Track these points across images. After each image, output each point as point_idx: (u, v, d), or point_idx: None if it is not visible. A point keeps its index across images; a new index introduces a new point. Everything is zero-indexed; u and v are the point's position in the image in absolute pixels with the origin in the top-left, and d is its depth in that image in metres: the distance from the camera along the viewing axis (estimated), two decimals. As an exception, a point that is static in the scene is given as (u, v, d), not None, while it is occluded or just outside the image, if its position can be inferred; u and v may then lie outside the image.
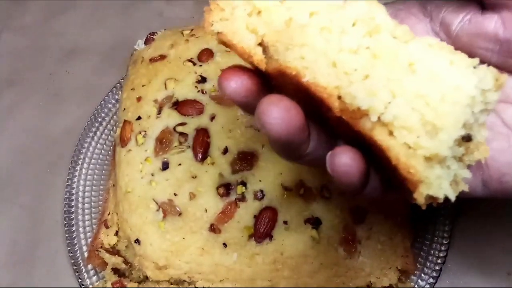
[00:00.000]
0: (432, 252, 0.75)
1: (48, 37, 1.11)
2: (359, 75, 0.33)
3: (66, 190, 0.83)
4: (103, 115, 0.91)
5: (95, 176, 0.86)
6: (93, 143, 0.88)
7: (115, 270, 0.71)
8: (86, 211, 0.82)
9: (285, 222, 0.67)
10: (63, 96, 1.01)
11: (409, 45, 0.33)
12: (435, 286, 0.73)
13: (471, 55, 0.34)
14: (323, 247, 0.67)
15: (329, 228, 0.68)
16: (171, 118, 0.75)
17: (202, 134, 0.73)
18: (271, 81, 0.38)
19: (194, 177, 0.70)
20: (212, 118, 0.75)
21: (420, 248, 0.76)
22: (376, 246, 0.69)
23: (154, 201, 0.70)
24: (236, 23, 0.36)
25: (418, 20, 0.46)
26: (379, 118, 0.32)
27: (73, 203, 0.82)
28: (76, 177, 0.84)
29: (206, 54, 0.82)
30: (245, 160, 0.71)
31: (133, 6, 1.16)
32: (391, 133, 0.33)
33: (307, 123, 0.37)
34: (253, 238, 0.67)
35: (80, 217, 0.81)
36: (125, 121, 0.77)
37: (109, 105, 0.92)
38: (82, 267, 0.76)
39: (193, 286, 0.68)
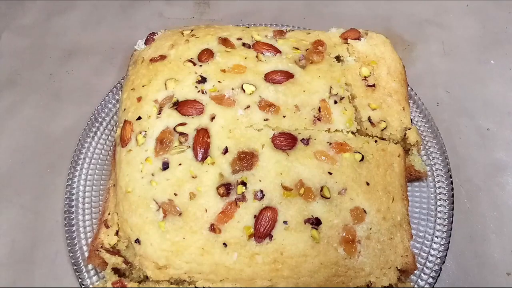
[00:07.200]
0: (432, 252, 0.76)
1: (48, 37, 1.11)
2: None
3: (66, 190, 0.83)
4: (103, 115, 0.91)
5: (95, 176, 0.86)
6: (93, 143, 0.89)
7: (115, 270, 0.72)
8: (87, 211, 0.82)
9: (285, 222, 0.68)
10: (63, 96, 1.01)
11: None
12: (435, 286, 0.74)
13: None
14: (323, 247, 0.67)
15: (329, 228, 0.68)
16: (171, 118, 0.75)
17: (202, 134, 0.73)
18: None
19: (194, 177, 0.70)
20: (212, 118, 0.75)
21: (420, 248, 0.76)
22: (376, 246, 0.69)
23: (154, 201, 0.70)
24: None
25: None
26: None
27: (73, 203, 0.82)
28: (76, 177, 0.85)
29: (206, 54, 0.82)
30: (245, 160, 0.71)
31: (133, 6, 1.16)
32: None
33: None
34: (253, 238, 0.67)
35: (80, 217, 0.81)
36: (125, 121, 0.77)
37: (109, 105, 0.92)
38: (83, 267, 0.76)
39: (193, 286, 0.68)
